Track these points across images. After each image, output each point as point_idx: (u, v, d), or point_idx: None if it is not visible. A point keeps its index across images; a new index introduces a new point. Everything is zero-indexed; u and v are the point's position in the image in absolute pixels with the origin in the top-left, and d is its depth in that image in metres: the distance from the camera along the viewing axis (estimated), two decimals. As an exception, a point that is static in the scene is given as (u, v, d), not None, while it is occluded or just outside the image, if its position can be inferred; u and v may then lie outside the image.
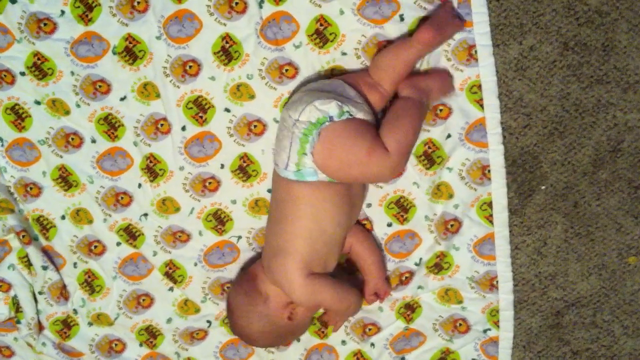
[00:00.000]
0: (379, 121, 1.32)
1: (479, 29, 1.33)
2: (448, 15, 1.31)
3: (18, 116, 1.46)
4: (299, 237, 1.32)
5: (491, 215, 1.45)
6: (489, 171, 1.42)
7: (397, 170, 1.30)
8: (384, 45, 1.35)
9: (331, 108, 1.24)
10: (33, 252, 1.53)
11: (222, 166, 1.46)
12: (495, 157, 1.41)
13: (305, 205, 1.30)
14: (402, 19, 1.33)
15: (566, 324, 1.53)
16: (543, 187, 1.44)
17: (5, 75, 1.42)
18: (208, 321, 1.59)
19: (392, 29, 1.34)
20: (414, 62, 1.31)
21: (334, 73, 1.38)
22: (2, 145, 1.48)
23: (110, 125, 1.45)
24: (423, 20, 1.32)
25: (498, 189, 1.43)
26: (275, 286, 1.37)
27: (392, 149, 1.25)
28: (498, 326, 1.53)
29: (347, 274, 1.51)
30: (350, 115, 1.25)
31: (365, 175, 1.29)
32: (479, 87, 1.36)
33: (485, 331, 1.54)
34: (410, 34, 1.32)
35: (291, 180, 1.28)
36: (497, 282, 1.50)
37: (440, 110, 1.39)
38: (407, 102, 1.31)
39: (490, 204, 1.44)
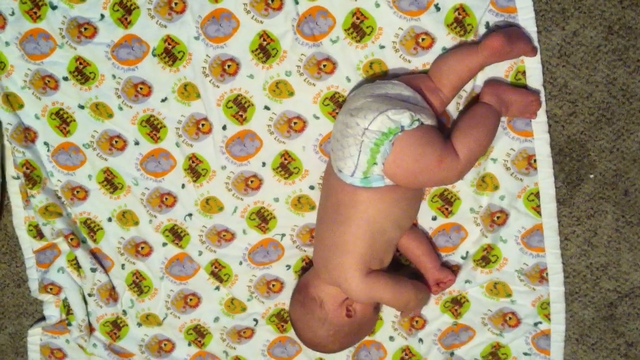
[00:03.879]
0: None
1: (523, 14, 1.30)
2: (520, 32, 1.30)
3: (63, 121, 1.48)
4: (359, 239, 1.31)
5: (539, 206, 1.42)
6: (534, 161, 1.39)
7: (463, 175, 1.31)
8: (446, 49, 1.34)
9: (404, 118, 1.22)
10: (82, 255, 1.55)
11: (264, 164, 1.46)
12: (541, 146, 1.38)
13: (370, 209, 1.29)
14: (437, 8, 1.31)
15: (620, 315, 1.50)
16: (592, 176, 1.41)
17: (48, 81, 1.45)
18: (255, 319, 1.59)
19: (429, 20, 1.32)
20: (477, 69, 1.31)
21: (372, 67, 1.37)
22: (49, 150, 1.51)
23: (153, 127, 1.46)
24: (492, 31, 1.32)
25: (545, 179, 1.40)
26: (328, 287, 1.37)
27: (462, 156, 1.26)
28: (549, 319, 1.50)
29: (397, 266, 1.49)
30: (420, 122, 1.24)
31: (433, 180, 1.30)
32: (524, 73, 1.34)
33: (536, 324, 1.51)
34: (476, 42, 1.31)
35: (356, 187, 1.28)
36: (547, 274, 1.47)
37: (482, 98, 1.37)
38: (486, 110, 1.31)
39: (537, 195, 1.41)
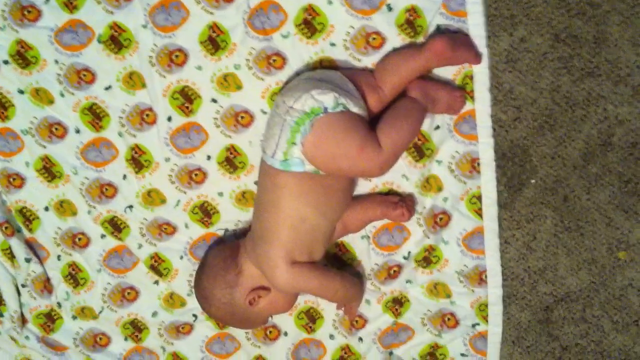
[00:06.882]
0: (372, 122, 1.30)
1: (473, 19, 1.31)
2: (466, 40, 1.31)
3: (1, 105, 1.44)
4: (281, 226, 1.31)
5: (481, 209, 1.44)
6: (478, 164, 1.41)
7: (385, 168, 1.29)
8: (393, 49, 1.34)
9: (327, 99, 1.22)
10: (16, 244, 1.51)
11: (209, 158, 1.44)
12: (485, 150, 1.39)
13: (289, 195, 1.28)
14: (390, 8, 1.31)
15: (555, 319, 1.52)
16: (533, 181, 1.43)
17: (-13, 64, 1.40)
18: (194, 315, 1.57)
19: (380, 20, 1.32)
20: (419, 71, 1.31)
21: (322, 64, 1.36)
22: (-15, 136, 1.46)
23: (95, 115, 1.43)
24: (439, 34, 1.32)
25: (488, 183, 1.42)
26: (253, 267, 1.37)
27: (385, 147, 1.25)
28: (487, 321, 1.52)
29: (339, 264, 1.50)
30: (345, 108, 1.24)
31: (353, 169, 1.28)
32: (471, 78, 1.35)
33: (474, 326, 1.53)
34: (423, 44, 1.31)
35: (276, 169, 1.27)
36: (486, 276, 1.48)
37: (430, 101, 1.37)
38: (412, 104, 1.31)
39: (479, 198, 1.43)
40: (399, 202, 1.41)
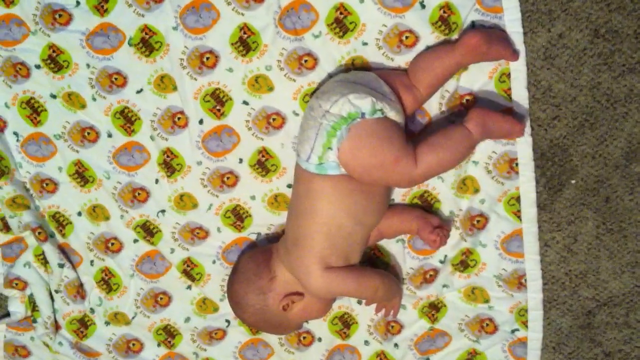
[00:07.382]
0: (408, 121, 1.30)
1: (509, 15, 1.28)
2: (501, 35, 1.28)
3: (34, 110, 1.44)
4: (316, 232, 1.29)
5: (519, 211, 1.40)
6: (516, 164, 1.37)
7: (415, 184, 1.29)
8: (426, 47, 1.32)
9: (365, 104, 1.20)
10: (49, 250, 1.51)
11: (241, 161, 1.43)
12: (524, 149, 1.36)
13: (325, 201, 1.27)
14: (423, 6, 1.29)
15: (598, 324, 1.48)
16: (573, 182, 1.40)
17: (20, 69, 1.41)
18: (227, 320, 1.56)
19: (414, 17, 1.30)
20: (454, 68, 1.28)
21: (355, 64, 1.35)
22: (18, 140, 1.47)
23: (127, 119, 1.43)
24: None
25: (526, 183, 1.38)
26: (287, 272, 1.35)
27: (420, 168, 1.23)
28: (526, 326, 1.48)
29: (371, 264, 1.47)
30: (383, 113, 1.22)
31: (385, 179, 1.27)
32: (508, 75, 1.32)
33: (513, 331, 1.49)
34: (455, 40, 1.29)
35: (311, 173, 1.25)
36: (525, 280, 1.45)
37: (467, 100, 1.35)
38: (463, 136, 1.28)
39: (518, 199, 1.40)
40: (437, 230, 1.38)
